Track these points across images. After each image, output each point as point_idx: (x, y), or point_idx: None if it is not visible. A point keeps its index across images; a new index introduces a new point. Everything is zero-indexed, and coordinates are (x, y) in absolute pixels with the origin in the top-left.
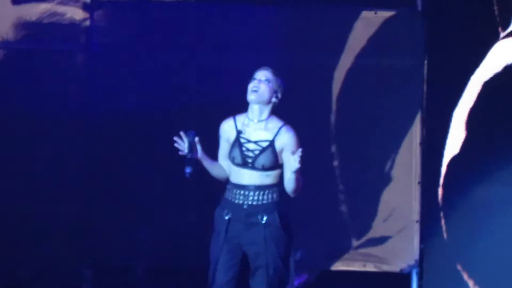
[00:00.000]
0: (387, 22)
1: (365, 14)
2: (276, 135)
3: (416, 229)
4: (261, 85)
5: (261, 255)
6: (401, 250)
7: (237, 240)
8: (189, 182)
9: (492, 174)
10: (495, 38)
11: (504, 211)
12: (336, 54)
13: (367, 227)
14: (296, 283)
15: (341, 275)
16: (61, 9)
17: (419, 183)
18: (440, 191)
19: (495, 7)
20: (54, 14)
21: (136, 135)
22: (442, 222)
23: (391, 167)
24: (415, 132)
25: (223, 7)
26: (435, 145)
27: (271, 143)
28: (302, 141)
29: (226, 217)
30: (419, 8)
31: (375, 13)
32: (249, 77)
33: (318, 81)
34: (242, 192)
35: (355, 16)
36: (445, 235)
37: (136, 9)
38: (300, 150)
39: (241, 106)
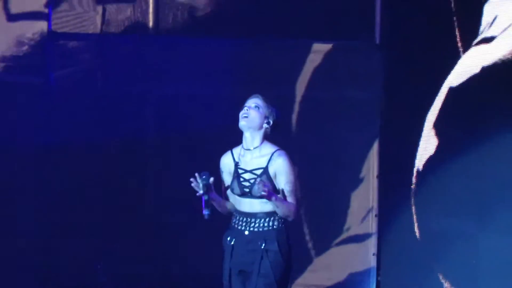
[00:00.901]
0: (345, 55)
1: (319, 46)
2: (269, 161)
3: (373, 261)
4: (251, 111)
5: (256, 268)
6: (358, 282)
7: (241, 266)
8: None
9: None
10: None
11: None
12: (291, 86)
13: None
14: None
15: None
16: (20, 41)
17: (376, 215)
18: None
19: (457, 32)
20: (13, 46)
21: (92, 167)
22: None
23: (348, 200)
24: (373, 164)
25: (179, 39)
26: (391, 176)
27: (265, 170)
28: None
29: (231, 243)
30: (377, 41)
31: (333, 45)
32: (206, 108)
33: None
34: (244, 219)
35: (308, 49)
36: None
37: (94, 41)
38: (260, 179)
39: (201, 136)
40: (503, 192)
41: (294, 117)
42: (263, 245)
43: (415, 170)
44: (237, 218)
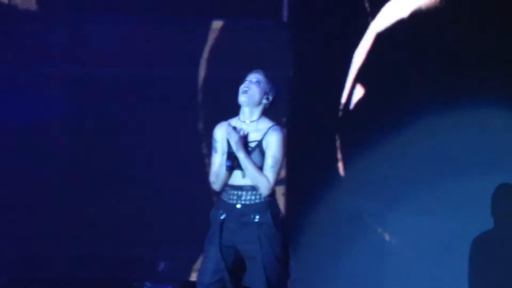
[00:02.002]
0: (252, 34)
1: (219, 24)
2: (264, 135)
3: None
4: (251, 86)
5: (255, 254)
6: None
7: (231, 240)
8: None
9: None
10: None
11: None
12: (194, 67)
13: None
14: None
15: None
16: None
17: (283, 194)
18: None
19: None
20: None
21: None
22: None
23: None
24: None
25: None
26: (300, 156)
27: (259, 143)
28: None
29: (221, 217)
30: (285, 19)
31: (238, 24)
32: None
33: (180, 93)
34: (236, 192)
35: (210, 27)
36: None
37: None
38: (231, 130)
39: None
40: (415, 172)
41: (199, 97)
42: (257, 217)
43: (324, 151)
44: (228, 192)
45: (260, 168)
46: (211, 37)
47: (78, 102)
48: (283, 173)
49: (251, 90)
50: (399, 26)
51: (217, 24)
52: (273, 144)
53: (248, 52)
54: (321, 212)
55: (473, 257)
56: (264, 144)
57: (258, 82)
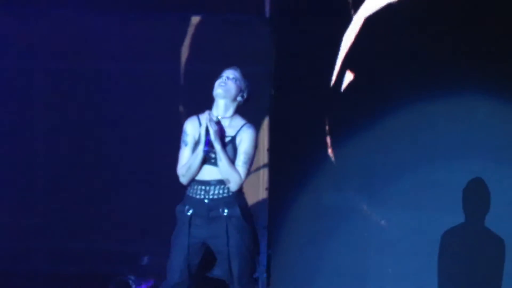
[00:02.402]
0: (233, 29)
1: (199, 20)
2: (238, 131)
3: (263, 234)
4: (228, 82)
5: (224, 247)
6: None
7: (200, 236)
8: None
9: None
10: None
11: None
12: (175, 61)
13: None
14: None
15: None
16: None
17: (266, 189)
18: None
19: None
20: None
21: None
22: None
23: None
24: (263, 138)
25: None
26: (283, 150)
27: (233, 139)
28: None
29: (188, 213)
30: (267, 15)
31: (217, 19)
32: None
33: (161, 88)
34: (203, 187)
35: (190, 22)
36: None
37: None
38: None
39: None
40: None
41: (179, 92)
42: (226, 211)
43: (307, 144)
44: (194, 187)
45: (233, 162)
46: (193, 31)
47: (62, 96)
48: (265, 169)
49: (228, 85)
50: (387, 11)
51: (198, 19)
52: (247, 140)
53: (230, 47)
54: (304, 205)
55: (458, 251)
56: (238, 140)
57: (234, 79)
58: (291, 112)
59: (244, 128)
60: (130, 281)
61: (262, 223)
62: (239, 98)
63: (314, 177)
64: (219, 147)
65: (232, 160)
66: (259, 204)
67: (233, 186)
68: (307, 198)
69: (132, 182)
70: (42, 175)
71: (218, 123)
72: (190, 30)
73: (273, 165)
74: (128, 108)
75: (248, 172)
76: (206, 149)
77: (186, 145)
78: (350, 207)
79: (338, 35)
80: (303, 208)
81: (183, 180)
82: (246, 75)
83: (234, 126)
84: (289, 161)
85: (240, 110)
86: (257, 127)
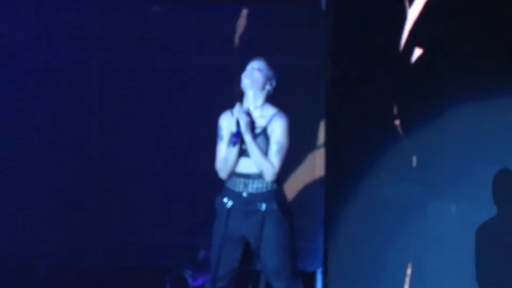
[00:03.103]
0: (289, 21)
1: (253, 11)
2: (269, 121)
3: (320, 228)
4: (254, 72)
5: (261, 241)
6: (305, 249)
7: (237, 229)
8: None
9: None
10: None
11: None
12: (232, 54)
13: None
14: (200, 282)
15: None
16: None
17: (323, 182)
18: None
19: None
20: None
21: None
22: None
23: (294, 167)
24: (319, 131)
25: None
26: (339, 143)
27: (264, 130)
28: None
29: (228, 206)
30: (323, 7)
31: (275, 11)
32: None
33: (219, 81)
34: (242, 180)
35: (247, 15)
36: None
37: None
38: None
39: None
40: (454, 159)
41: (234, 85)
42: (263, 206)
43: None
44: (234, 180)
45: (265, 154)
46: (247, 24)
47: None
48: (322, 163)
49: (254, 75)
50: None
51: (253, 11)
52: (278, 130)
53: (285, 40)
54: (361, 198)
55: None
56: (269, 130)
57: (259, 69)
58: (347, 105)
59: (275, 118)
60: (187, 275)
61: (319, 216)
62: (267, 87)
63: (371, 169)
64: (249, 138)
65: (265, 151)
66: (315, 197)
67: (268, 177)
68: (365, 191)
69: (191, 177)
70: (97, 169)
71: (249, 114)
72: (244, 23)
73: (329, 158)
74: (175, 102)
75: (282, 162)
76: (234, 140)
77: (221, 139)
78: (408, 199)
79: (394, 29)
80: (360, 201)
81: (222, 174)
82: (300, 68)
83: (265, 116)
84: (346, 154)
85: (294, 103)
86: (311, 120)
